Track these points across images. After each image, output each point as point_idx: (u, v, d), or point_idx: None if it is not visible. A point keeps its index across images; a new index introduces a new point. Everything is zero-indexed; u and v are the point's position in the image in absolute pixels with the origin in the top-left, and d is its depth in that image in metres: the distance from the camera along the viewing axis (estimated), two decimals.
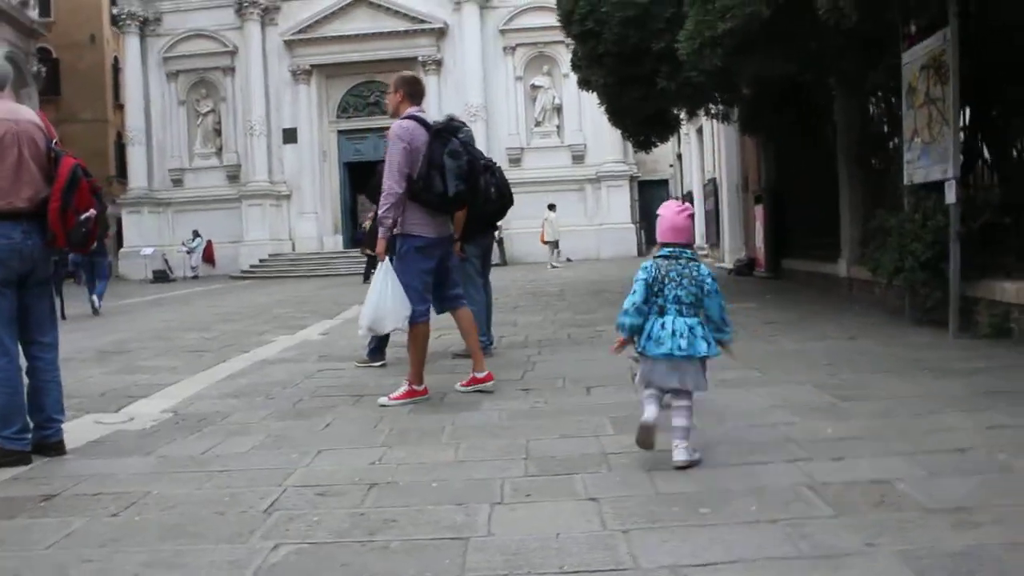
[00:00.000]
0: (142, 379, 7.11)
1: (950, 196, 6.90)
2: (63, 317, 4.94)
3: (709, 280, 3.89)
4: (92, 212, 4.31)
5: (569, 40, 12.80)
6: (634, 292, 3.88)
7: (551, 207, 26.60)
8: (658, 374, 3.87)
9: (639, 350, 3.92)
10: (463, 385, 5.87)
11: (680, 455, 3.74)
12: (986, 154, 7.78)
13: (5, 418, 4.21)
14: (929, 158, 7.39)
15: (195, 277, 29.10)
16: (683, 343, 3.78)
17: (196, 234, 30.19)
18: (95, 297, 14.57)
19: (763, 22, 7.67)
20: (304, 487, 3.70)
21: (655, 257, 3.94)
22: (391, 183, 5.39)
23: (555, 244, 26.56)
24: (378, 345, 7.17)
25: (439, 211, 5.60)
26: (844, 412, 4.68)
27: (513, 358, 7.29)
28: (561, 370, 6.58)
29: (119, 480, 3.94)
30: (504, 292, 13.77)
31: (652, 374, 3.90)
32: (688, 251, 3.92)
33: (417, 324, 5.56)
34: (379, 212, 5.59)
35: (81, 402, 6.01)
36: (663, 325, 3.82)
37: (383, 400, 5.55)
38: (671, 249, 3.90)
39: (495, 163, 7.52)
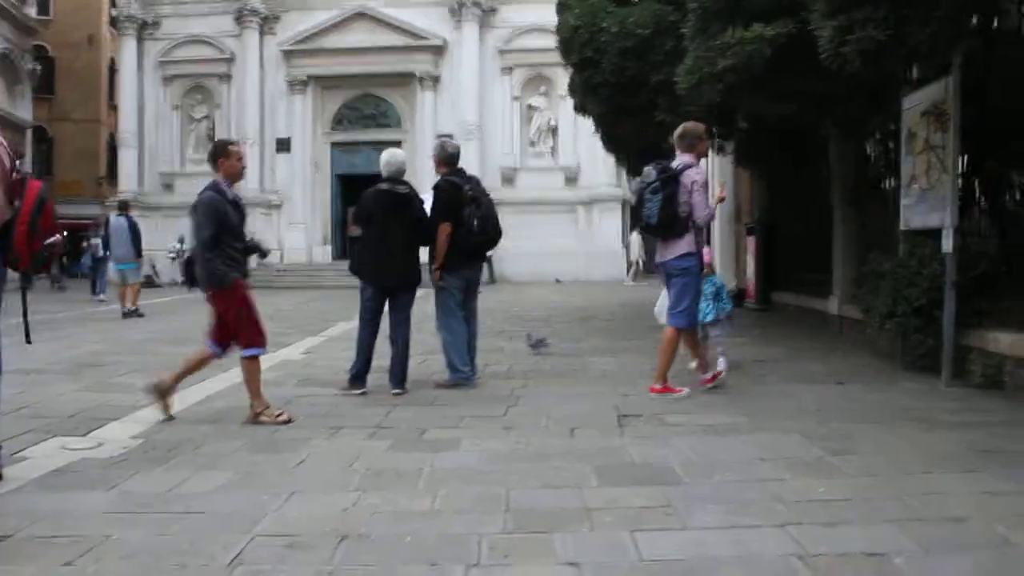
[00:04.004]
0: (115, 398, 6.92)
1: (947, 245, 6.79)
2: (28, 342, 4.76)
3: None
4: (57, 238, 4.21)
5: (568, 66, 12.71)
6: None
7: (635, 227, 28.05)
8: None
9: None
10: None
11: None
12: (982, 202, 7.70)
13: None
14: (927, 204, 7.30)
15: (184, 283, 28.79)
16: None
17: (182, 240, 29.85)
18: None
19: (764, 61, 7.58)
20: (272, 536, 3.53)
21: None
22: None
23: (636, 263, 28.41)
24: (359, 372, 6.99)
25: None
26: (833, 468, 4.54)
27: (496, 390, 7.12)
28: (545, 406, 6.43)
29: (77, 520, 3.75)
30: (490, 314, 13.61)
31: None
32: None
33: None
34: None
35: (50, 423, 5.84)
36: None
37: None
38: None
39: (486, 195, 7.35)
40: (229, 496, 4.15)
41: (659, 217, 6.59)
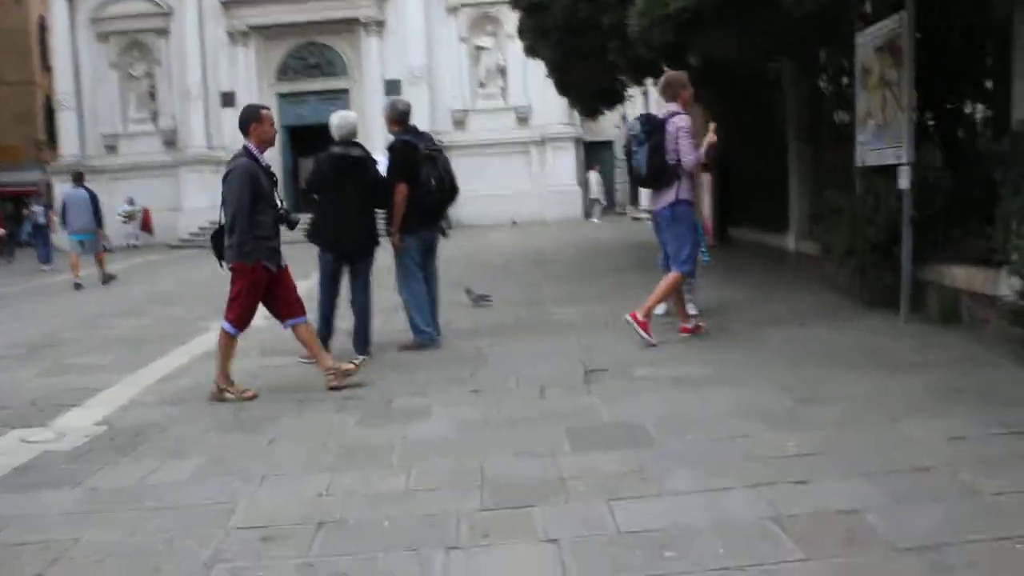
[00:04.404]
0: (74, 381, 6.78)
1: (904, 181, 6.81)
2: None
3: None
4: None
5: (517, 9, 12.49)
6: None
7: (593, 166, 30.14)
8: None
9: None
10: None
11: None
12: (935, 136, 7.72)
13: None
14: (883, 141, 7.31)
15: (134, 247, 28.20)
16: None
17: (131, 202, 29.23)
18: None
19: (716, 1, 7.47)
20: (248, 529, 3.48)
21: None
22: None
23: (597, 201, 29.03)
24: (322, 339, 6.89)
25: None
26: (803, 419, 4.58)
27: (462, 350, 7.09)
28: (513, 365, 6.42)
29: (45, 523, 3.67)
30: (449, 264, 13.49)
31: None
32: None
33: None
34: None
35: (9, 415, 5.71)
36: None
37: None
38: None
39: (440, 152, 7.23)
40: (201, 485, 4.08)
41: (648, 167, 6.73)
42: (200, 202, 30.09)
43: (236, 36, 30.46)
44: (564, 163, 30.45)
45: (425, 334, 7.18)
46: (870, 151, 7.59)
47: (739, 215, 14.09)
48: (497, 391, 5.64)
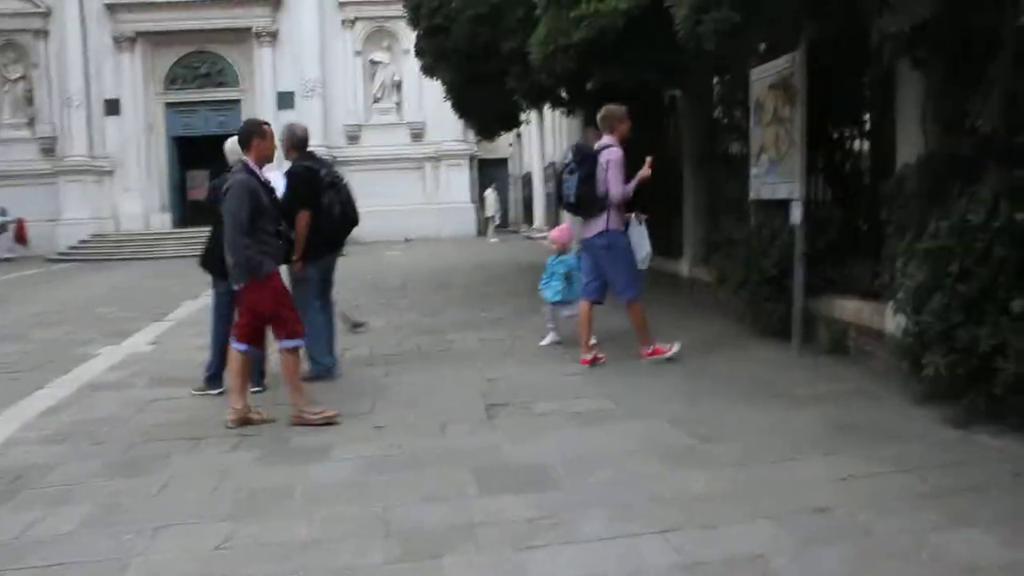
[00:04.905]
0: None
1: (796, 216, 7.03)
2: None
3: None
4: None
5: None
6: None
7: (490, 184, 30.75)
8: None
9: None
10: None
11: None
12: (823, 169, 7.99)
13: None
14: (775, 175, 7.52)
15: (7, 260, 26.81)
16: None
17: (3, 212, 27.83)
18: None
19: (617, 33, 7.59)
20: None
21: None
22: None
23: (492, 219, 29.24)
24: (216, 371, 6.68)
25: None
26: (706, 457, 4.64)
27: (361, 381, 6.97)
28: (411, 397, 6.35)
29: None
30: (345, 284, 13.30)
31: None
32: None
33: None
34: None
35: None
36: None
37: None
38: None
39: (341, 179, 7.11)
40: (90, 539, 3.86)
41: (576, 196, 6.99)
42: (81, 213, 29.05)
43: (122, 42, 29.45)
44: (459, 180, 30.50)
45: (321, 365, 7.02)
46: (764, 185, 7.80)
47: None
48: (398, 427, 5.54)
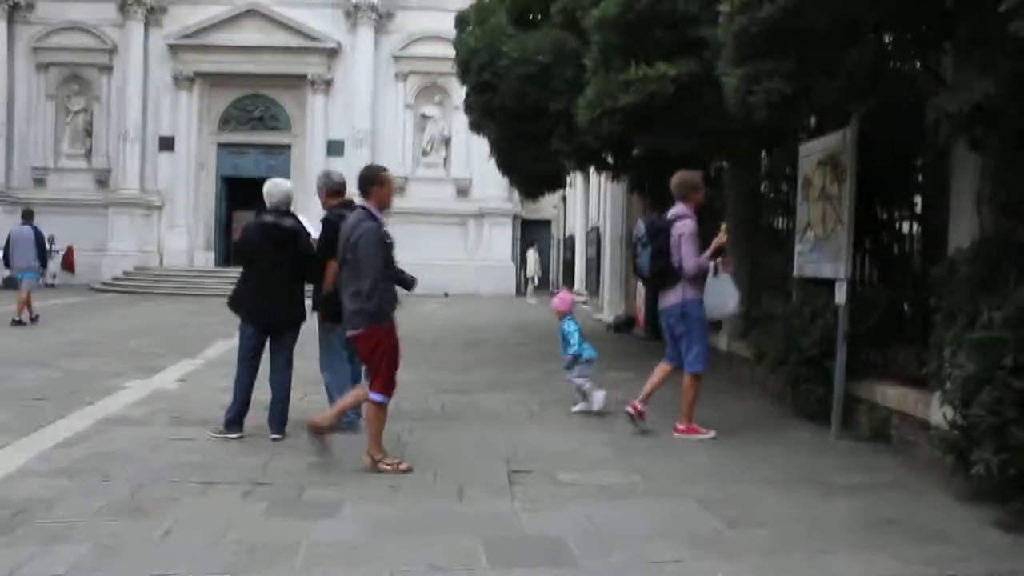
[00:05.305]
0: None
1: (840, 297, 6.81)
2: None
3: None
4: None
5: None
6: (576, 334, 7.95)
7: (531, 244, 31.02)
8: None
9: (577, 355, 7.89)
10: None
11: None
12: (870, 249, 7.78)
13: None
14: (820, 253, 7.31)
15: (52, 286, 27.12)
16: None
17: (52, 240, 28.25)
18: None
19: (666, 99, 7.50)
20: None
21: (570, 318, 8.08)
22: None
23: (532, 280, 29.55)
24: (235, 416, 6.56)
25: None
26: (732, 544, 4.39)
27: (383, 437, 6.77)
28: (433, 457, 6.14)
29: None
30: None
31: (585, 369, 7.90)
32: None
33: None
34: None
35: None
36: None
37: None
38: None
39: None
40: None
41: (650, 270, 7.00)
42: (128, 245, 29.44)
43: (181, 80, 30.02)
44: (501, 238, 30.48)
45: (346, 417, 6.86)
46: (808, 262, 7.59)
47: None
48: (414, 488, 5.36)
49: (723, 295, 6.98)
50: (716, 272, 6.91)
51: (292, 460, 5.91)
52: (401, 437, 6.74)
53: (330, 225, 6.74)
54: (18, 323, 15.17)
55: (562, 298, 8.51)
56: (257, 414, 6.73)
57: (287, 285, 6.56)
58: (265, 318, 6.56)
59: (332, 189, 6.95)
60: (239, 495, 5.12)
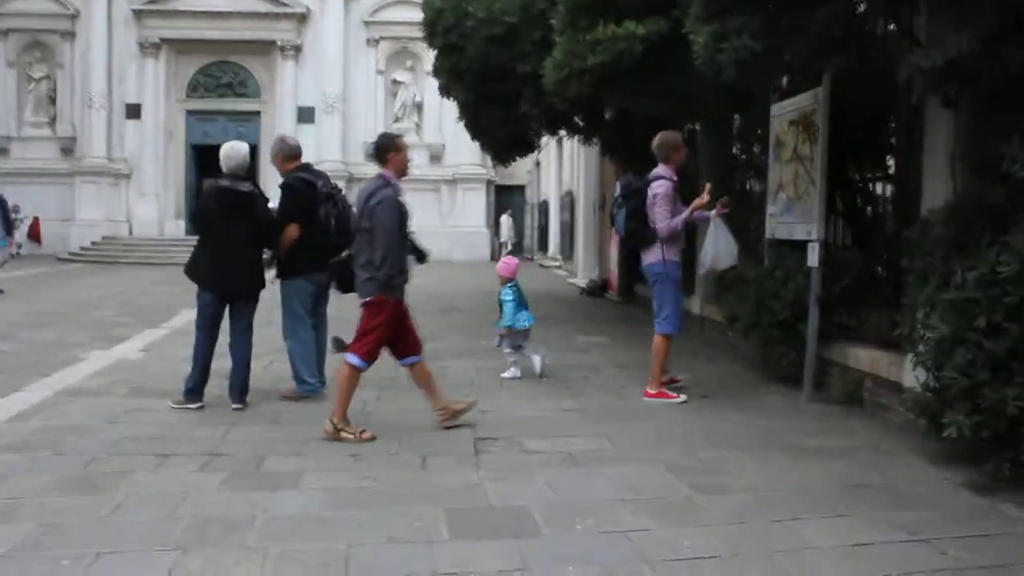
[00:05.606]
0: None
1: (813, 259, 6.70)
2: None
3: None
4: None
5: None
6: (512, 303, 7.85)
7: (505, 210, 31.09)
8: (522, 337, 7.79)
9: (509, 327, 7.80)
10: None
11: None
12: (842, 211, 7.67)
13: None
14: (792, 215, 7.21)
15: (17, 255, 26.61)
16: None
17: (16, 209, 27.70)
18: None
19: (635, 59, 7.31)
20: None
21: (511, 286, 7.95)
22: None
23: (505, 245, 29.65)
24: (195, 386, 6.37)
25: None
26: (700, 512, 4.29)
27: (349, 404, 6.62)
28: (397, 425, 6.00)
29: None
30: (347, 304, 13.03)
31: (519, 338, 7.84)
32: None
33: None
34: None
35: None
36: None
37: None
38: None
39: (339, 191, 6.83)
40: (18, 565, 3.54)
41: (625, 230, 7.06)
42: (95, 214, 28.99)
43: (146, 47, 29.46)
44: (475, 204, 30.30)
45: (309, 385, 6.73)
46: (780, 224, 7.49)
47: None
48: (377, 457, 5.22)
49: (727, 244, 7.01)
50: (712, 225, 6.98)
51: (252, 430, 5.76)
52: (367, 405, 6.60)
53: (290, 190, 6.57)
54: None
55: (506, 263, 8.37)
56: (219, 384, 6.56)
57: (245, 252, 6.36)
58: (223, 286, 6.36)
59: (288, 154, 6.75)
60: (196, 467, 4.97)
